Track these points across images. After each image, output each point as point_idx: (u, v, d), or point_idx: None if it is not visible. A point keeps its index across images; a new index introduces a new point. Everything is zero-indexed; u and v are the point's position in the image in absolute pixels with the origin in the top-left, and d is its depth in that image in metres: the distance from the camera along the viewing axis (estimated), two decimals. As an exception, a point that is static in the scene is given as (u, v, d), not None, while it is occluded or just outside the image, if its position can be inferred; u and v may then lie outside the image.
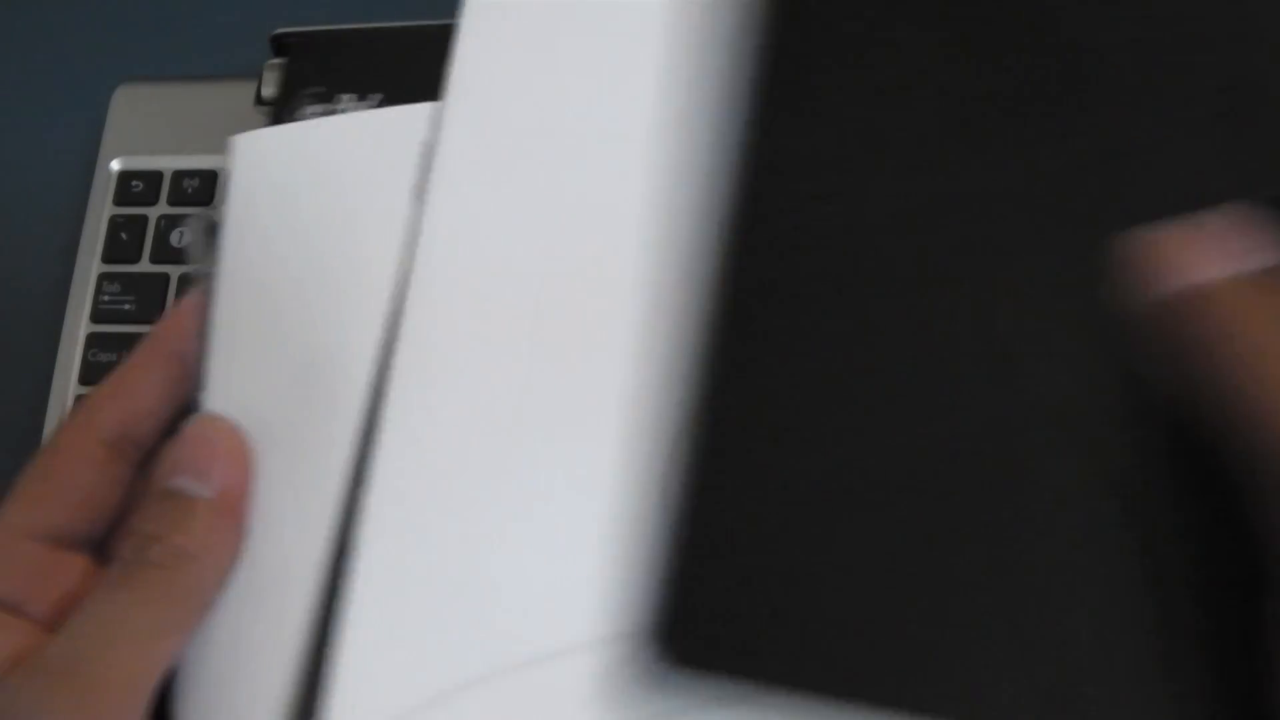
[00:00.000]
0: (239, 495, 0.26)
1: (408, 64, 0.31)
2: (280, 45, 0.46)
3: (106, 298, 0.42)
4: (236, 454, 0.26)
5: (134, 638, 0.24)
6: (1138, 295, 0.23)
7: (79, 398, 0.41)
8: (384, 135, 0.27)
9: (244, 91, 0.45)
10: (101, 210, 0.44)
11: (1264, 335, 0.21)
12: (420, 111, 0.27)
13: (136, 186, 0.44)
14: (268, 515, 0.26)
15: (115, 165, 0.44)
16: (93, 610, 0.24)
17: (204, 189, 0.44)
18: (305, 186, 0.27)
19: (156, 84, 0.46)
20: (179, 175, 0.44)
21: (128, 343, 0.42)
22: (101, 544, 0.27)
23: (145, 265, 0.43)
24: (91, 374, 0.42)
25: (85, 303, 0.42)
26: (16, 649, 0.24)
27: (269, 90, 0.45)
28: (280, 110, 0.30)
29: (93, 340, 0.42)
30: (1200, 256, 0.22)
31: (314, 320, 0.27)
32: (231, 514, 0.26)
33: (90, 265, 0.43)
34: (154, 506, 0.25)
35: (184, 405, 0.27)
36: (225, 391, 0.27)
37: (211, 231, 0.28)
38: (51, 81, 0.51)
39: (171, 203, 0.44)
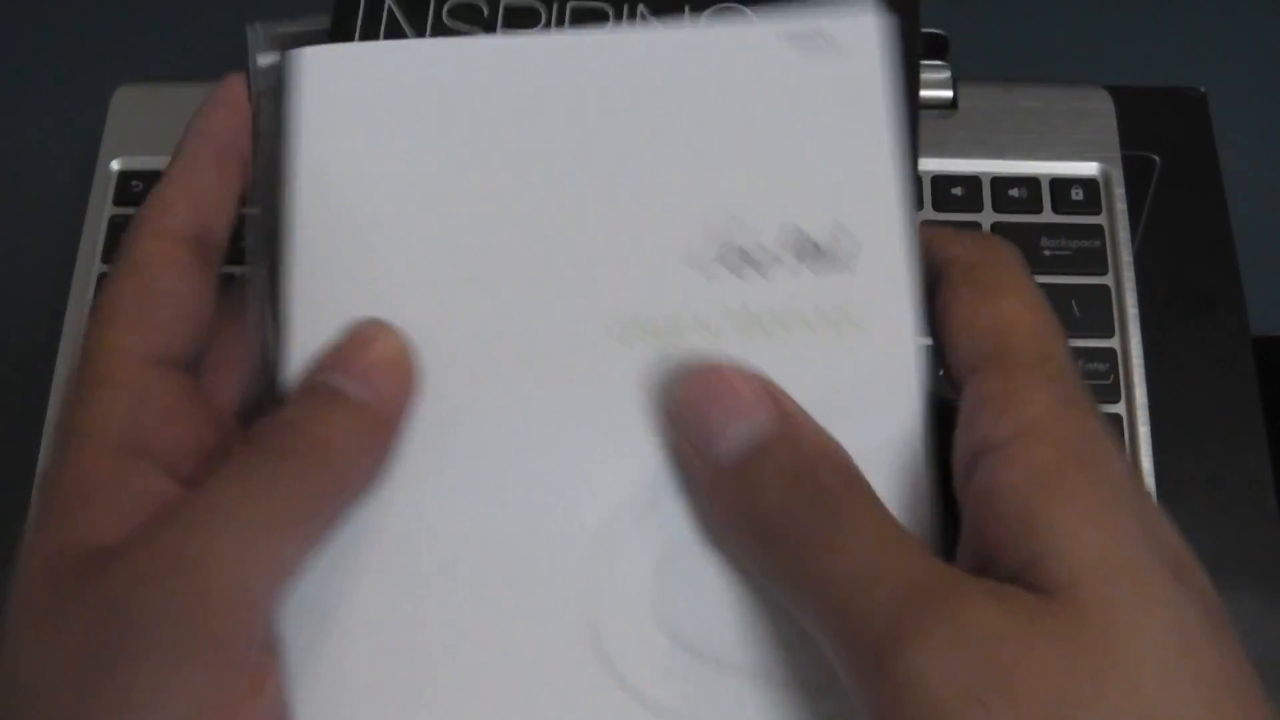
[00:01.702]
0: (395, 412, 0.23)
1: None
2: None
3: (106, 298, 0.42)
4: (404, 368, 0.24)
5: (251, 533, 0.21)
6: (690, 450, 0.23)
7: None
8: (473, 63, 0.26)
9: (244, 92, 0.46)
10: (101, 210, 0.44)
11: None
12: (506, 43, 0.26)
13: (136, 186, 0.44)
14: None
15: (115, 165, 0.44)
16: (208, 498, 0.21)
17: (204, 189, 0.44)
18: (388, 114, 0.26)
19: (156, 84, 0.46)
20: (179, 175, 0.44)
21: (128, 343, 0.42)
22: (197, 364, 0.25)
23: (145, 265, 0.43)
24: (91, 374, 0.41)
25: (85, 303, 0.42)
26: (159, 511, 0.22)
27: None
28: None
29: (93, 340, 0.42)
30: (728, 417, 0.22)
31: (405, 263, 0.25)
32: (384, 427, 0.23)
33: (90, 265, 0.43)
34: (299, 397, 0.23)
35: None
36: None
37: (275, 97, 0.27)
38: (51, 81, 0.51)
39: (171, 203, 0.44)
